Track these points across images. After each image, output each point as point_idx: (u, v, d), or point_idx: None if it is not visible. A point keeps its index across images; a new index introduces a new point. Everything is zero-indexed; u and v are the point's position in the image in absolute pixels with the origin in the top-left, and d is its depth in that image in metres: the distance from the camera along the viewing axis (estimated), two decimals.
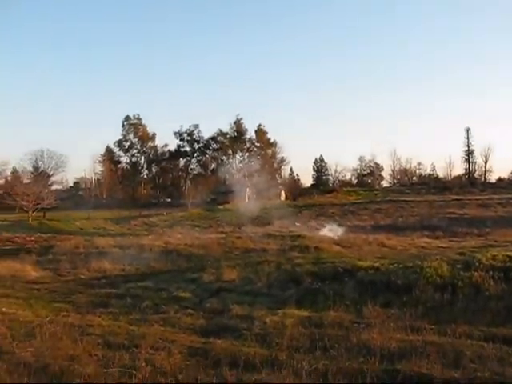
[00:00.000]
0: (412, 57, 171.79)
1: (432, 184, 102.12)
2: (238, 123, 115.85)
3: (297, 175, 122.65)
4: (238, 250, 25.03)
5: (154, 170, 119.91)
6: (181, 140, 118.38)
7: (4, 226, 51.50)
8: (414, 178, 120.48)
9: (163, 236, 34.52)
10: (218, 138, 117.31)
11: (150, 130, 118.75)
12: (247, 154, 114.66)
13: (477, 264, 14.98)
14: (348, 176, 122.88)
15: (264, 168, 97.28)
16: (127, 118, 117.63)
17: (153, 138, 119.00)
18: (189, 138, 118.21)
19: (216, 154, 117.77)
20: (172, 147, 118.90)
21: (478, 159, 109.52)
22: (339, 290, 13.67)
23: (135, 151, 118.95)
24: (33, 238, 37.34)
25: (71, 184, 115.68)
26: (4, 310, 11.53)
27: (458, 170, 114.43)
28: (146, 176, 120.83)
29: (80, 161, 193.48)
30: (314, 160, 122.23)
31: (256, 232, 36.09)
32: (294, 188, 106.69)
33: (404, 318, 10.42)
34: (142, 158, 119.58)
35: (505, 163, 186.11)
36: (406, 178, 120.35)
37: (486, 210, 56.44)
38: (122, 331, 9.58)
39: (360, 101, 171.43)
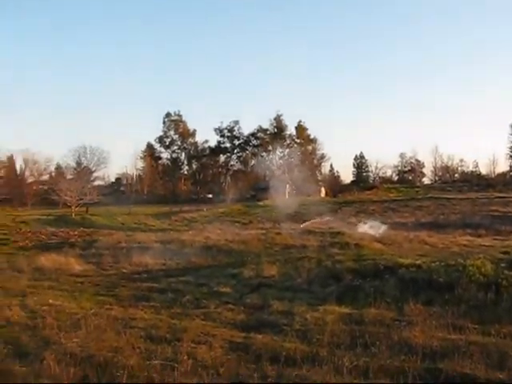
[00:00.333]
0: (452, 52, 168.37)
1: (475, 181, 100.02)
2: (278, 119, 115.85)
3: (337, 172, 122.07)
4: (277, 246, 24.98)
5: (194, 166, 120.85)
6: (221, 136, 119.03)
7: (48, 221, 52.59)
8: (456, 175, 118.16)
9: (203, 232, 34.71)
10: (258, 134, 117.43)
11: (191, 126, 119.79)
12: (287, 150, 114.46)
13: None
14: (389, 173, 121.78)
15: (304, 164, 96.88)
16: (168, 115, 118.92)
17: (193, 134, 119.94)
18: (229, 135, 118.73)
19: (256, 150, 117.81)
20: (212, 143, 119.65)
21: None
22: (380, 287, 13.52)
23: (176, 147, 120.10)
24: (76, 233, 38.04)
25: (113, 180, 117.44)
26: (50, 301, 11.83)
27: (502, 167, 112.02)
28: (186, 172, 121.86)
29: (122, 157, 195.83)
30: (354, 157, 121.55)
31: (295, 228, 36.03)
32: (333, 184, 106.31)
33: (446, 316, 10.25)
34: (183, 154, 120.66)
35: None
36: (447, 175, 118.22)
37: None
38: (163, 325, 9.71)
39: (401, 97, 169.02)
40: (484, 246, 25.68)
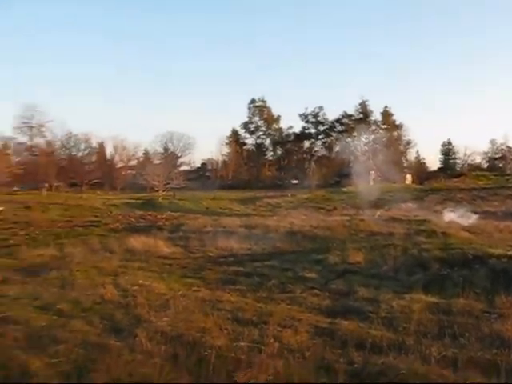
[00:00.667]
0: None
1: None
2: (363, 105, 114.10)
3: (423, 158, 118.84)
4: (362, 232, 24.64)
5: (278, 151, 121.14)
6: (306, 122, 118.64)
7: (137, 205, 54.36)
8: None
9: (288, 217, 34.78)
10: (343, 120, 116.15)
11: (275, 112, 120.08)
12: (372, 136, 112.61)
13: None
14: (478, 160, 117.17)
15: (389, 151, 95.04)
16: (252, 101, 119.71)
17: (277, 120, 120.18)
18: (314, 120, 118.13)
19: (340, 136, 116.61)
20: (297, 129, 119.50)
21: None
22: (469, 277, 13.09)
23: (260, 133, 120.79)
24: (163, 216, 39.14)
25: (198, 165, 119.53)
26: (140, 281, 12.24)
27: None
28: (270, 158, 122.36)
29: (207, 143, 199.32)
30: (441, 143, 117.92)
31: (381, 215, 35.51)
32: (419, 171, 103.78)
33: None
34: (267, 139, 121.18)
35: None
36: None
37: None
38: (249, 308, 9.84)
39: (490, 82, 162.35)
40: None
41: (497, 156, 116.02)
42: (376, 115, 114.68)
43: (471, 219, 33.21)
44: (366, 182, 66.61)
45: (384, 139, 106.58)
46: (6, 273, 14.39)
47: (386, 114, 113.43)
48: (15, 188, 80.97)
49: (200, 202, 58.87)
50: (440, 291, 11.81)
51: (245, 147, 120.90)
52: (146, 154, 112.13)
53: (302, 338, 7.74)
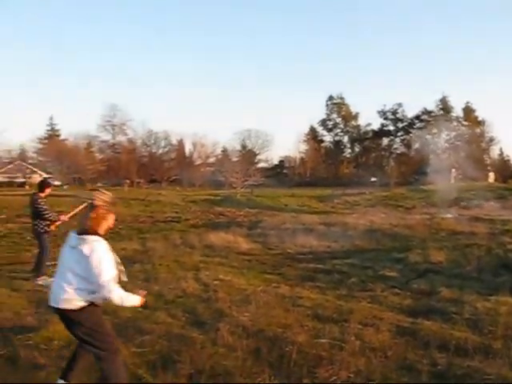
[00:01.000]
0: None
1: None
2: (443, 101, 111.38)
3: (507, 156, 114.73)
4: (443, 231, 23.92)
5: (356, 149, 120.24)
6: (384, 119, 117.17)
7: (215, 201, 55.15)
8: None
9: (366, 215, 34.26)
10: (423, 117, 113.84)
11: (353, 109, 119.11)
12: (453, 132, 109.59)
13: None
14: None
15: (471, 148, 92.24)
16: (330, 98, 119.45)
17: (356, 117, 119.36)
18: (392, 117, 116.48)
19: (420, 133, 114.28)
20: (375, 126, 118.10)
21: None
22: None
23: (338, 130, 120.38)
24: (242, 213, 39.51)
25: (276, 162, 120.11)
26: (221, 276, 12.40)
27: None
28: (348, 155, 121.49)
29: (285, 140, 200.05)
30: None
31: (462, 214, 34.47)
32: (503, 170, 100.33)
33: None
34: (345, 137, 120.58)
35: None
36: None
37: None
38: (330, 305, 9.78)
39: None
40: None
41: None
42: (457, 111, 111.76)
43: None
44: (446, 180, 64.77)
45: (466, 136, 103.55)
46: None
47: (468, 110, 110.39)
48: (99, 184, 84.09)
49: (278, 199, 59.03)
50: None
51: (322, 144, 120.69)
52: (224, 151, 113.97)
53: (384, 337, 7.63)
